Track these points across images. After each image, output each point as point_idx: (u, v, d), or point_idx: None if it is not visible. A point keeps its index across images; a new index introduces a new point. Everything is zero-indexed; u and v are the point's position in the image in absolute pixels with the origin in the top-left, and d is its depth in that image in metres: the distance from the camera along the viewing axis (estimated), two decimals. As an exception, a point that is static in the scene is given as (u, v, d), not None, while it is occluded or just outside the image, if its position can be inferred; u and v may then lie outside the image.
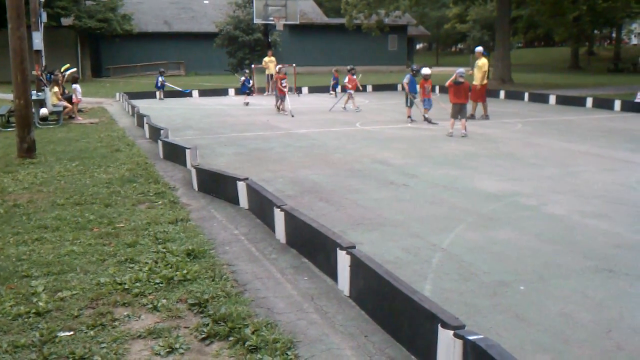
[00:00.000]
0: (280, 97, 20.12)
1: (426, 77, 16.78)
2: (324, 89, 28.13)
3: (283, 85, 19.87)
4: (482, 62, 18.09)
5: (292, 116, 18.73)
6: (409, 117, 17.35)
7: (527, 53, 74.01)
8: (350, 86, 20.87)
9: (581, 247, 6.31)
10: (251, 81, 25.00)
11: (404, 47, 56.14)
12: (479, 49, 18.97)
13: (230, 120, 18.60)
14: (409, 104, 17.38)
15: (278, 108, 20.27)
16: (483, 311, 4.78)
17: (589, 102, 21.92)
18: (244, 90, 24.38)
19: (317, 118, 18.57)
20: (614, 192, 8.74)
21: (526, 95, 24.92)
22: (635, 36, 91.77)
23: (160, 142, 12.27)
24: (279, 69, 20.89)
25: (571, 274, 5.58)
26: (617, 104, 20.74)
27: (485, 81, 18.30)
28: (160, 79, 26.64)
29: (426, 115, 16.96)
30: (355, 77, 21.14)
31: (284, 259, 6.03)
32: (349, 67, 21.63)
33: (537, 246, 6.38)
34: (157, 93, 26.89)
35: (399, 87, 21.20)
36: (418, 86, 17.14)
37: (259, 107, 22.82)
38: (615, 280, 5.43)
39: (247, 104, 23.40)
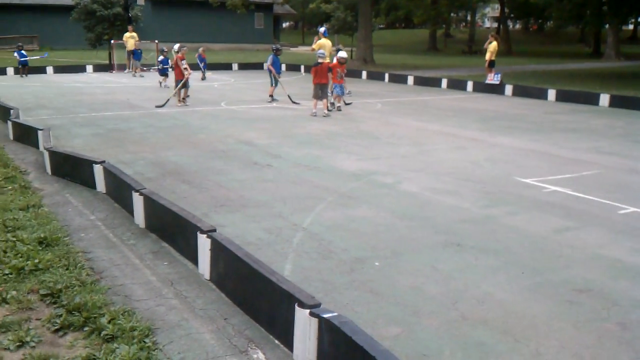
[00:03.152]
0: (178, 81, 16.48)
1: (341, 62, 15.82)
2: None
3: (184, 67, 16.17)
4: (320, 42, 18.15)
5: (187, 105, 16.42)
6: (271, 96, 17.39)
7: (389, 34, 76.38)
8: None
9: (432, 223, 6.70)
10: (170, 61, 21.22)
11: (270, 26, 56.04)
12: (321, 29, 19.03)
13: (87, 99, 17.78)
14: (273, 84, 17.40)
15: (183, 98, 16.70)
16: (340, 288, 4.97)
17: (444, 83, 23.12)
18: (164, 72, 21.44)
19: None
20: (463, 169, 9.31)
21: (386, 76, 25.86)
22: (488, 19, 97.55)
23: (10, 123, 11.62)
24: (179, 47, 16.76)
25: (422, 249, 5.92)
26: (470, 85, 22.06)
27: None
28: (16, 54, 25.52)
29: (335, 102, 15.87)
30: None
31: (143, 244, 5.92)
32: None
33: (392, 222, 6.69)
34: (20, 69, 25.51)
35: (265, 66, 21.01)
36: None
37: (118, 84, 21.96)
38: (462, 253, 5.82)
39: (167, 86, 20.48)
